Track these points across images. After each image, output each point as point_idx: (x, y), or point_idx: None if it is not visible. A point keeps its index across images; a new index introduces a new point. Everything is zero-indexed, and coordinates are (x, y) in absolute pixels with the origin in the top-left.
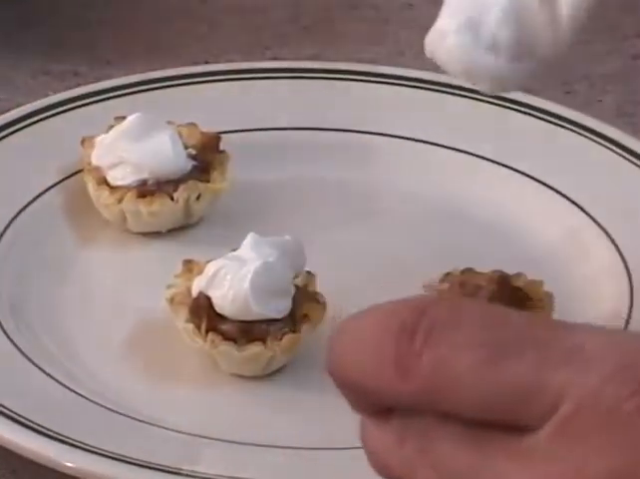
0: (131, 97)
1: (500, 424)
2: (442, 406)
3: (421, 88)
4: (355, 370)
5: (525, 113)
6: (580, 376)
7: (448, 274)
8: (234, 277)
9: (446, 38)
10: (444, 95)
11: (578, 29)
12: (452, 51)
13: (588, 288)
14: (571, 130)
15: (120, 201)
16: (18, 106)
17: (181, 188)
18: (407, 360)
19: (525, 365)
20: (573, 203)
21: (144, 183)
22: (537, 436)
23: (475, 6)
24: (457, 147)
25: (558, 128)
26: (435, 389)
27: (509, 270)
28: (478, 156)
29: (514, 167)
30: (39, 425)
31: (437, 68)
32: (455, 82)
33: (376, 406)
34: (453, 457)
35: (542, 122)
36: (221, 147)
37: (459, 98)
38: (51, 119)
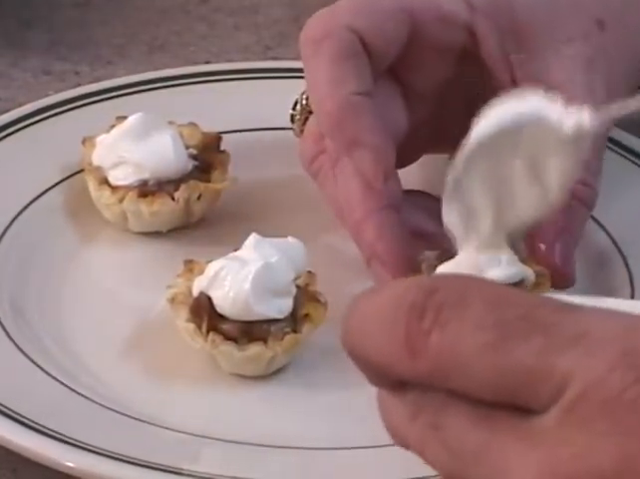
0: (131, 97)
1: (509, 405)
2: (451, 385)
3: None
4: (368, 348)
5: None
6: (585, 362)
7: (446, 251)
8: (235, 278)
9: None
10: None
11: (565, 193)
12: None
13: (588, 288)
14: None
15: (121, 200)
16: (19, 106)
17: (182, 188)
18: (416, 339)
19: (531, 349)
20: None
21: (144, 183)
22: (544, 419)
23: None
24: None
25: None
26: (443, 369)
27: None
28: None
29: None
30: (39, 425)
31: None
32: None
33: (391, 380)
34: (462, 436)
35: None
36: (222, 147)
37: None
38: (52, 119)
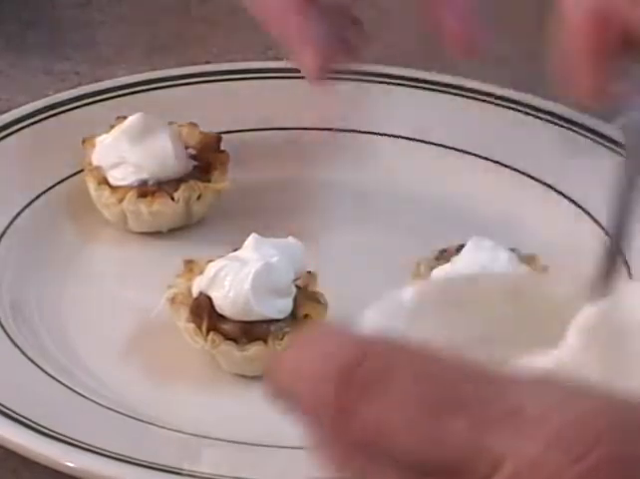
0: (131, 97)
1: (439, 473)
2: (379, 457)
3: (418, 87)
4: (297, 405)
5: (526, 113)
6: (519, 442)
7: (443, 252)
8: (235, 278)
9: None
10: (443, 94)
11: None
12: None
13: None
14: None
15: (120, 200)
16: (19, 106)
17: (182, 188)
18: (344, 416)
19: (460, 427)
20: (579, 206)
21: (144, 183)
22: None
23: None
24: (457, 147)
25: (557, 127)
26: (371, 444)
27: None
28: (481, 156)
29: (516, 167)
30: (39, 425)
31: (429, 67)
32: (453, 82)
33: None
34: None
35: (540, 120)
36: (222, 147)
37: (459, 98)
38: (52, 119)
